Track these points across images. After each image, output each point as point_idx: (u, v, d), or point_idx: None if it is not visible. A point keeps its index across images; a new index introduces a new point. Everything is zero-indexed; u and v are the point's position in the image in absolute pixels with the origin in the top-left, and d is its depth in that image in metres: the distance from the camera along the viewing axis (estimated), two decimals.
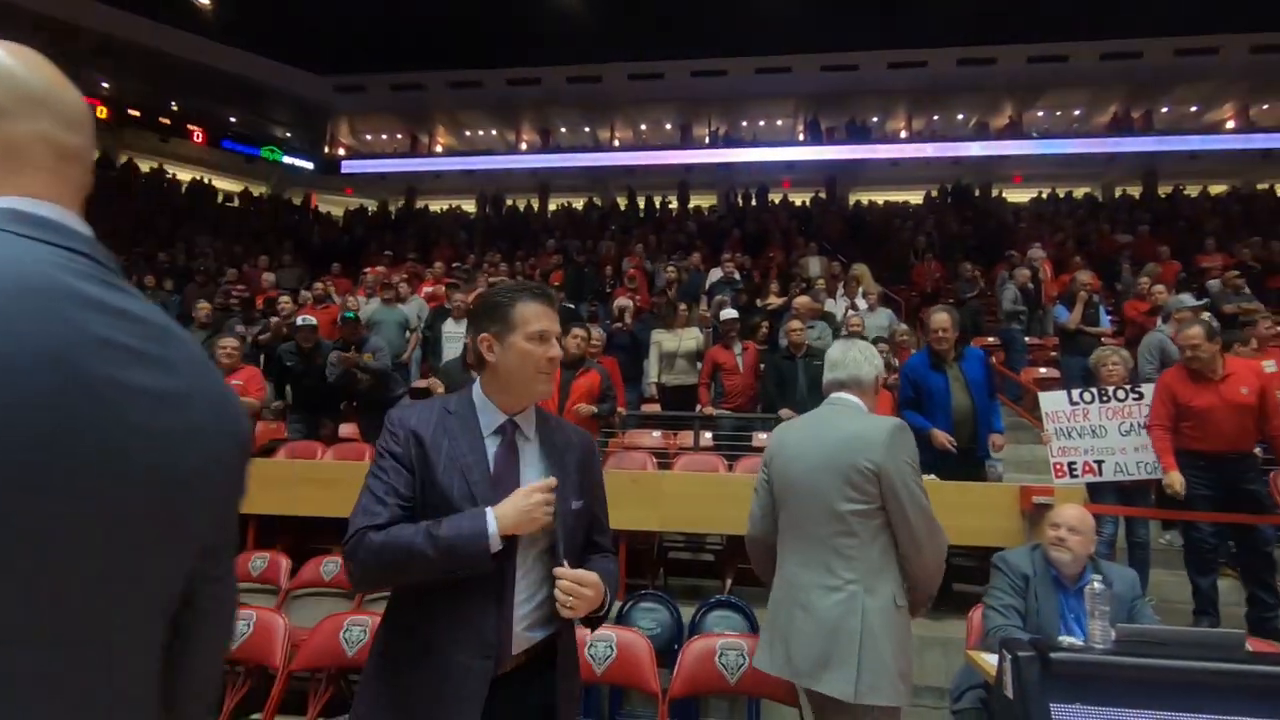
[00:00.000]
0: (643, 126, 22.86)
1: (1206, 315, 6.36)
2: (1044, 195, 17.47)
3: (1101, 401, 4.05)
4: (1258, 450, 3.72)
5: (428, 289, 7.99)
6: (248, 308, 7.54)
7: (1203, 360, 3.66)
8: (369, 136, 24.18)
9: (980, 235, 13.03)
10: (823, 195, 20.35)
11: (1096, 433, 4.02)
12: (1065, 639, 2.02)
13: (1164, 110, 19.50)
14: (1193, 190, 17.19)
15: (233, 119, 21.93)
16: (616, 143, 22.66)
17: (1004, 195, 18.52)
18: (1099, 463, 4.00)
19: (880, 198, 20.15)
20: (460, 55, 20.41)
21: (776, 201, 19.07)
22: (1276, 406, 3.59)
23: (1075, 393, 4.14)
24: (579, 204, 20.36)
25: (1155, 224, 12.73)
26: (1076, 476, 4.02)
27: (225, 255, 12.54)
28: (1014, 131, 19.68)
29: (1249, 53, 17.71)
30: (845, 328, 6.77)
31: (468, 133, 23.55)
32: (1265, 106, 19.25)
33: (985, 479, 3.87)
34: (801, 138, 21.32)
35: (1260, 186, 17.08)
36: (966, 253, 11.56)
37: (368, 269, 8.86)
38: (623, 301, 6.09)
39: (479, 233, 15.47)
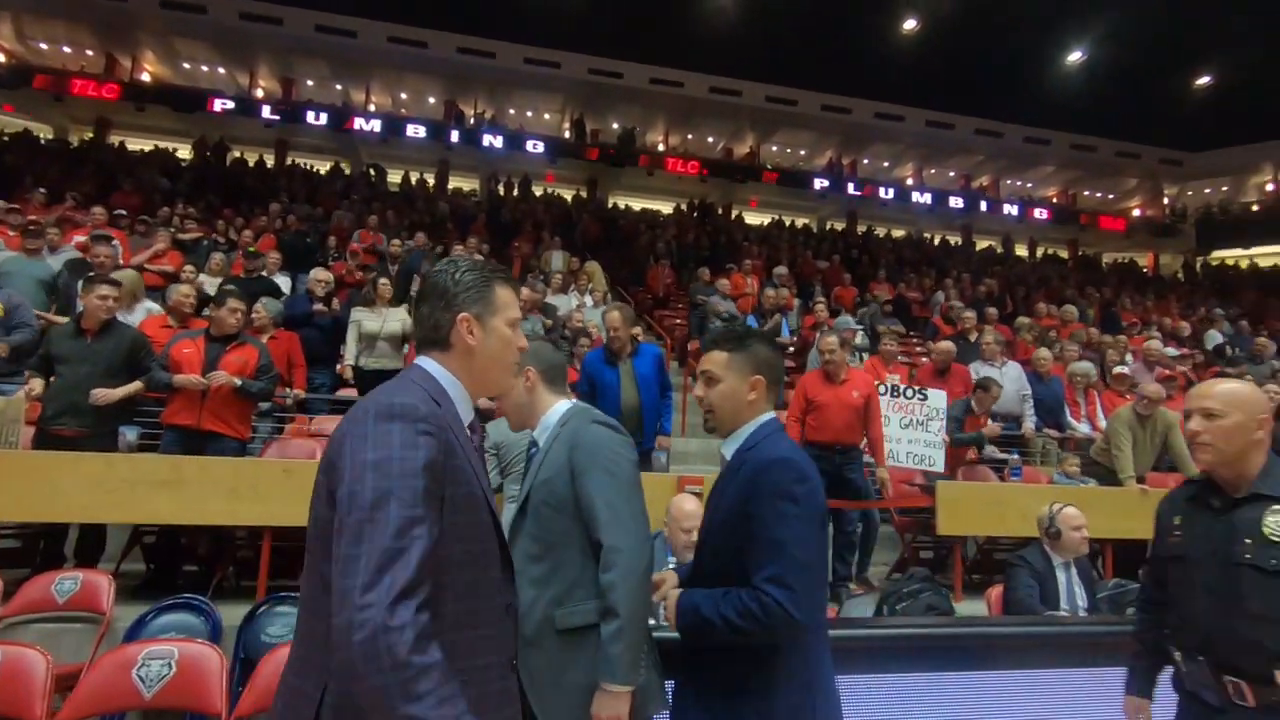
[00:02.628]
0: (403, 95, 21.42)
1: (860, 332, 7.57)
2: (768, 220, 19.77)
3: (892, 396, 4.54)
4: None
5: (78, 237, 6.53)
6: None
7: (834, 364, 4.30)
8: (44, 45, 19.44)
9: (713, 248, 14.25)
10: (583, 194, 20.90)
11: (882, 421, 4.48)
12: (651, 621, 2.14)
13: (865, 161, 23.14)
14: (881, 231, 20.70)
15: None
16: (372, 107, 20.93)
17: (742, 216, 20.64)
18: None
19: (637, 204, 21.23)
20: None
21: (539, 194, 19.13)
22: (876, 413, 4.34)
23: (874, 384, 4.62)
24: (324, 168, 18.50)
25: (855, 258, 15.00)
26: None
27: None
28: (752, 160, 21.95)
29: (925, 125, 21.76)
30: (569, 322, 6.91)
31: (186, 65, 20.08)
32: (934, 170, 23.80)
33: (651, 469, 4.12)
34: (568, 134, 21.60)
35: (927, 234, 21.12)
36: (699, 262, 12.57)
37: None
38: (320, 274, 5.50)
39: (186, 182, 13.21)
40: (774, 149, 23.18)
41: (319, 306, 5.26)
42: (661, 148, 22.18)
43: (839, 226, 21.43)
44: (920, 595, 3.00)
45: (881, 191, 21.89)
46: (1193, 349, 9.36)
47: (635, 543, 1.50)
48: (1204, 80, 19.48)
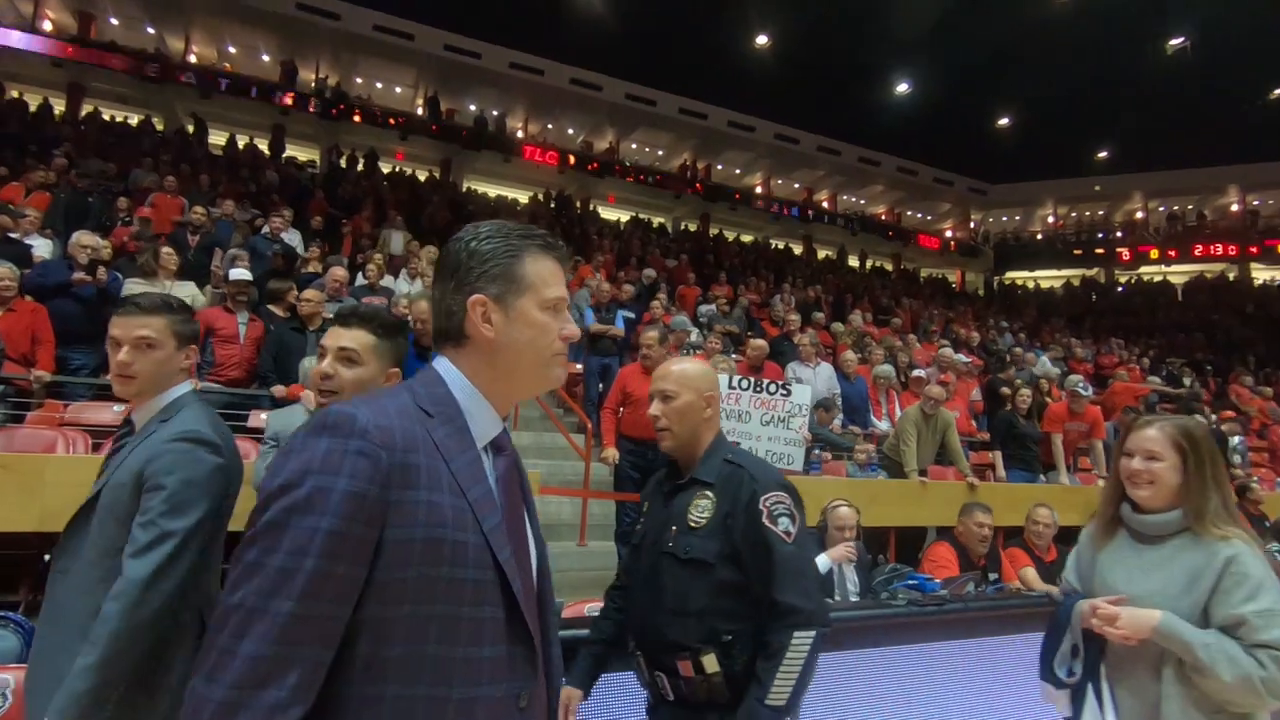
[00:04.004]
0: (230, 49, 19.32)
1: (693, 333, 7.79)
2: (626, 218, 20.00)
3: (755, 391, 4.40)
4: None
5: None
6: None
7: (651, 359, 4.35)
8: None
9: (565, 241, 14.13)
10: (437, 174, 20.01)
11: (741, 418, 4.37)
12: None
13: (719, 167, 24.05)
14: (731, 235, 21.61)
15: None
16: (193, 58, 18.69)
17: (598, 210, 20.71)
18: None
19: (493, 190, 20.66)
20: None
21: (388, 172, 18.08)
22: None
23: (735, 379, 4.47)
24: (133, 120, 16.30)
25: (704, 259, 15.49)
26: None
27: None
28: (612, 156, 22.08)
29: (774, 137, 22.97)
30: (395, 308, 6.51)
31: None
32: (781, 181, 25.22)
33: None
34: (421, 112, 20.56)
35: (774, 243, 22.35)
36: None
37: None
38: (85, 238, 4.75)
39: None
40: (633, 146, 23.47)
41: (79, 275, 4.54)
42: (521, 134, 21.73)
43: (692, 227, 22.13)
44: None
45: (738, 198, 22.94)
46: (981, 357, 10.60)
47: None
48: (1004, 121, 22.15)
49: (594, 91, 20.90)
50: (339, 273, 5.48)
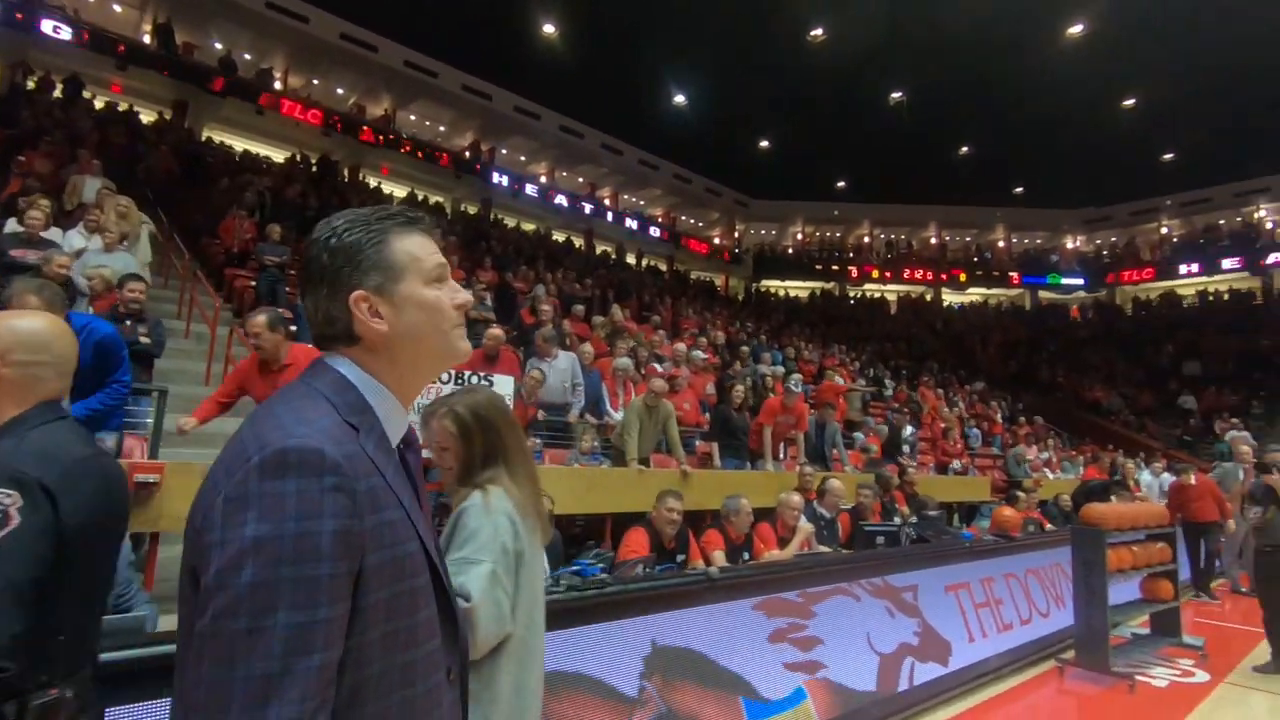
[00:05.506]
0: None
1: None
2: (403, 193, 18.80)
3: (456, 383, 4.25)
4: None
5: None
6: None
7: (262, 349, 3.98)
8: None
9: (321, 209, 12.90)
10: (168, 116, 17.12)
11: None
12: None
13: (504, 152, 23.57)
14: (511, 222, 21.34)
15: None
16: None
17: (368, 181, 19.21)
18: None
19: (241, 144, 18.23)
20: None
21: (101, 106, 15.07)
22: None
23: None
24: None
25: (477, 244, 15.03)
26: None
27: None
28: (387, 124, 20.58)
29: (559, 129, 23.08)
30: (49, 268, 5.41)
31: None
32: (565, 173, 25.44)
33: None
34: (147, 39, 17.44)
35: (556, 233, 22.44)
36: (300, 222, 11.26)
37: None
38: None
39: None
40: (412, 118, 22.11)
41: None
42: (279, 86, 19.37)
43: (473, 210, 21.46)
44: None
45: (521, 185, 22.66)
46: (723, 355, 11.59)
47: None
48: (765, 143, 24.49)
49: (368, 52, 19.31)
50: None
